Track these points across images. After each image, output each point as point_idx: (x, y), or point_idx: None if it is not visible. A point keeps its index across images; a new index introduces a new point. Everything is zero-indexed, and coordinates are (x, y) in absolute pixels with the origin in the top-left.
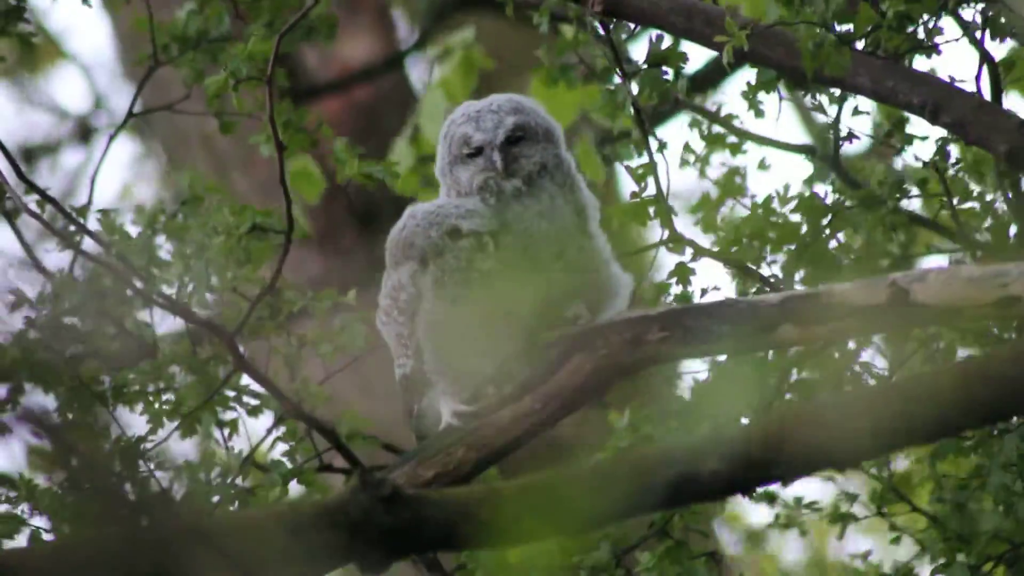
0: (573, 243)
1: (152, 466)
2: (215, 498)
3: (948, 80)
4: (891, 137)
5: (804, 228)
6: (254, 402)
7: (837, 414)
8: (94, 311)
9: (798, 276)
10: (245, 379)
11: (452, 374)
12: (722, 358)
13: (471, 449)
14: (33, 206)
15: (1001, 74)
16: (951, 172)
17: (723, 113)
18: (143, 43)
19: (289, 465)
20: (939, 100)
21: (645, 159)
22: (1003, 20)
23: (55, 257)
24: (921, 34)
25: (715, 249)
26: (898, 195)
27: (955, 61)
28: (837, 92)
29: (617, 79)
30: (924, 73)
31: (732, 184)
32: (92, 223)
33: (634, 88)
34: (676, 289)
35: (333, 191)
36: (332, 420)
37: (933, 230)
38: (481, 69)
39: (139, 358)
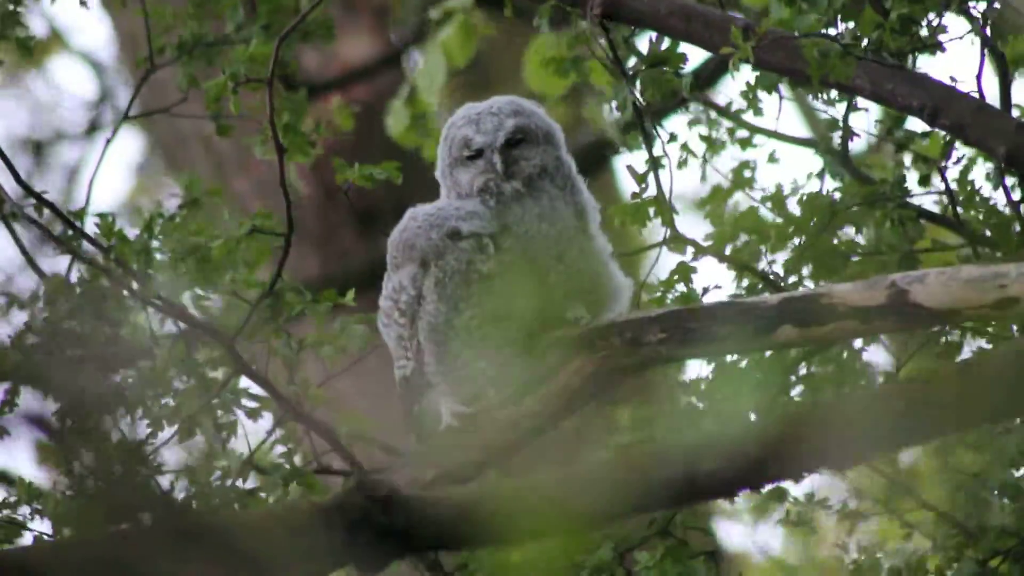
0: (573, 245)
1: (153, 469)
2: (216, 500)
3: (948, 82)
4: (891, 135)
5: (809, 224)
6: (253, 404)
7: (838, 414)
8: (90, 315)
9: (803, 272)
10: (243, 382)
11: (452, 376)
12: (721, 359)
13: (471, 450)
14: (32, 209)
15: (1009, 67)
16: (953, 169)
17: (729, 110)
18: (143, 42)
19: (288, 467)
20: (938, 103)
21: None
22: (1006, 19)
23: (53, 261)
24: (924, 33)
25: (712, 244)
26: (900, 193)
27: (958, 59)
28: (837, 93)
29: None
30: (923, 75)
31: (742, 177)
32: (90, 226)
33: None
34: (679, 290)
35: (332, 191)
36: (331, 422)
37: (942, 225)
38: (480, 54)
39: (136, 361)
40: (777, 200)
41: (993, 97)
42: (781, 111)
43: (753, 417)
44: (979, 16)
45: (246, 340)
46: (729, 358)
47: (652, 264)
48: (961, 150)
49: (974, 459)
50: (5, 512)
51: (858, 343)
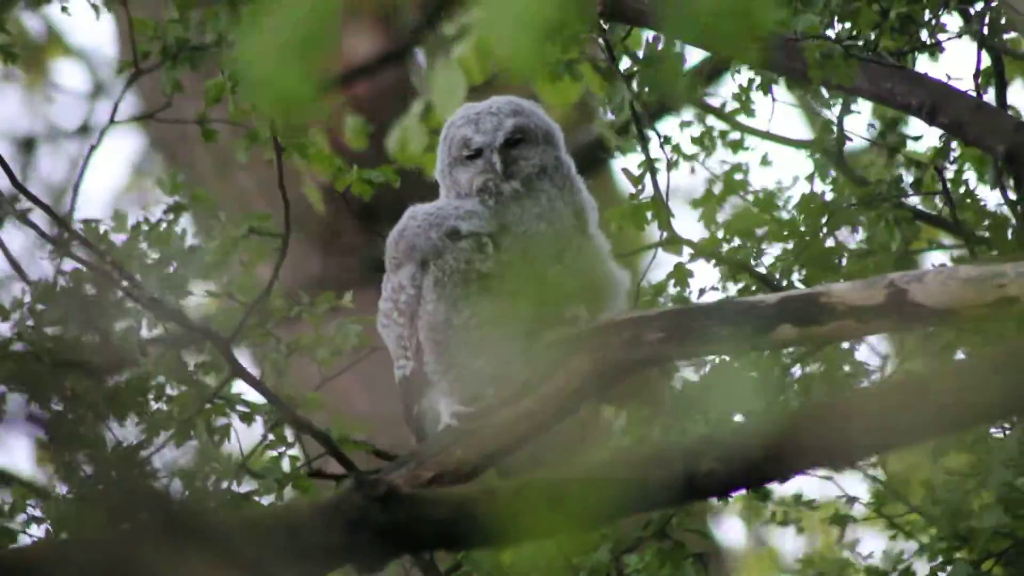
0: (572, 244)
1: (148, 471)
2: (211, 503)
3: (945, 80)
4: (885, 138)
5: (803, 226)
6: (246, 410)
7: (835, 413)
8: (78, 321)
9: (797, 276)
10: (236, 386)
11: (451, 375)
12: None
13: (470, 450)
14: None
15: (1005, 68)
16: (950, 170)
17: (723, 111)
18: (143, 41)
19: (286, 469)
20: (936, 101)
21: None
22: (1004, 20)
23: (47, 264)
24: (924, 34)
25: (707, 246)
26: (896, 193)
27: (955, 59)
28: (835, 92)
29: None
30: (922, 74)
31: (734, 180)
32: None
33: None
34: (673, 290)
35: (333, 191)
36: (327, 425)
37: (937, 226)
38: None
39: (125, 366)
40: (767, 202)
41: (989, 97)
42: (774, 112)
43: (751, 417)
44: (977, 15)
45: (237, 344)
46: (726, 359)
47: (647, 265)
48: (956, 151)
49: (970, 460)
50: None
51: (846, 344)
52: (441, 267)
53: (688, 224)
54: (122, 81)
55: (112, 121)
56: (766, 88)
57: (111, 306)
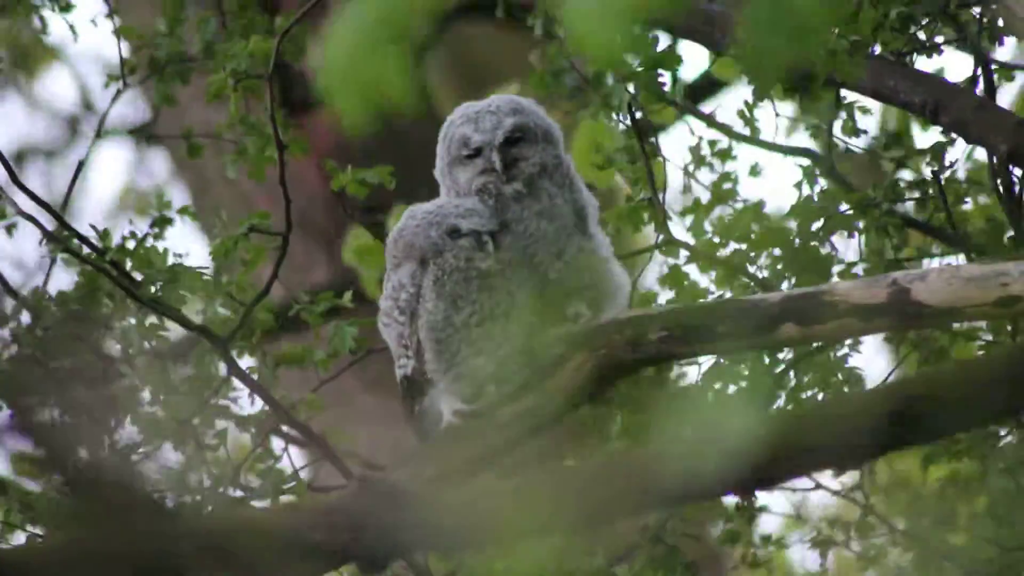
0: (573, 242)
1: (145, 474)
2: (208, 506)
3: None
4: (888, 150)
5: (795, 233)
6: (243, 412)
7: (836, 414)
8: (73, 328)
9: (787, 286)
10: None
11: (452, 374)
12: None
13: (472, 448)
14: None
15: (995, 76)
16: (947, 174)
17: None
18: (134, 52)
19: (287, 472)
20: (940, 100)
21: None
22: (1001, 23)
23: (46, 263)
24: (922, 36)
25: (703, 249)
26: (893, 198)
27: (954, 63)
28: (835, 94)
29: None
30: (925, 73)
31: (722, 190)
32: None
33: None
34: (669, 294)
35: (338, 192)
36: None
37: (927, 233)
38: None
39: (118, 374)
40: (756, 213)
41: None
42: (777, 129)
43: (749, 419)
44: (976, 21)
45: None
46: (721, 361)
47: (643, 268)
48: (952, 154)
49: (962, 468)
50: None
51: (844, 351)
52: (441, 265)
53: (679, 230)
54: (134, 88)
55: (99, 135)
56: (763, 96)
57: (111, 308)
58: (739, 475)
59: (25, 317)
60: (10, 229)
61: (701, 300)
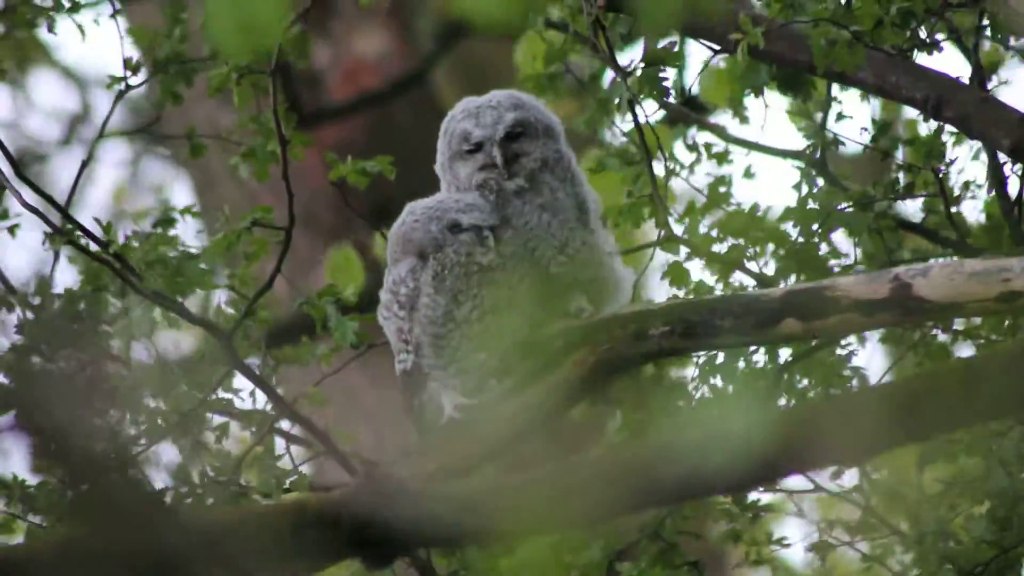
0: (575, 237)
1: (146, 468)
2: (208, 500)
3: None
4: (877, 142)
5: (795, 234)
6: (245, 406)
7: (839, 411)
8: (71, 328)
9: (786, 284)
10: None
11: (453, 368)
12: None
13: (474, 442)
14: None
15: (985, 76)
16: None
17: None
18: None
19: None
20: (942, 95)
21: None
22: (1001, 19)
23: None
24: (922, 32)
25: (703, 244)
26: (892, 196)
27: (952, 61)
28: (834, 89)
29: (613, 77)
30: (927, 68)
31: (717, 193)
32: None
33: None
34: (670, 290)
35: (346, 184)
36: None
37: (921, 235)
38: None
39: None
40: (751, 216)
41: None
42: (766, 120)
43: (751, 416)
44: (971, 22)
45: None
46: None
47: (646, 264)
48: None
49: (959, 468)
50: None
51: (848, 348)
52: (442, 260)
53: (678, 229)
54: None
55: (100, 136)
56: (758, 91)
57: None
58: (741, 472)
59: (27, 313)
60: (12, 230)
61: (703, 295)
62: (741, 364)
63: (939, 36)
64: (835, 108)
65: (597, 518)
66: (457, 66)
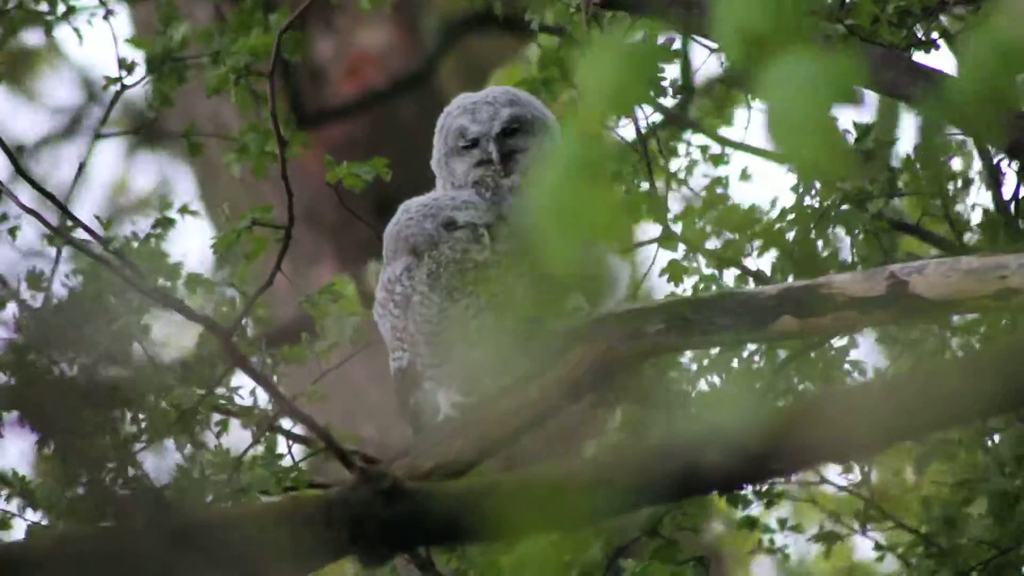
0: None
1: (145, 465)
2: (208, 497)
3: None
4: (861, 142)
5: (791, 235)
6: (246, 403)
7: (838, 407)
8: (76, 319)
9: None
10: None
11: (449, 366)
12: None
13: (470, 440)
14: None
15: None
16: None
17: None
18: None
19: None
20: (939, 92)
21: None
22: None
23: (50, 253)
24: (919, 31)
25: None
26: (889, 193)
27: (949, 59)
28: None
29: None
30: (925, 66)
31: (715, 195)
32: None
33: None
34: (668, 286)
35: (338, 187)
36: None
37: (916, 236)
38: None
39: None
40: (747, 218)
41: None
42: (750, 121)
43: (749, 413)
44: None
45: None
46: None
47: (651, 263)
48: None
49: (957, 467)
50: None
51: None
52: (437, 258)
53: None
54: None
55: (98, 136)
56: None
57: (114, 300)
58: (737, 468)
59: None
60: (13, 231)
61: (700, 293)
62: (736, 363)
63: (935, 35)
64: None
65: (595, 516)
66: (461, 63)
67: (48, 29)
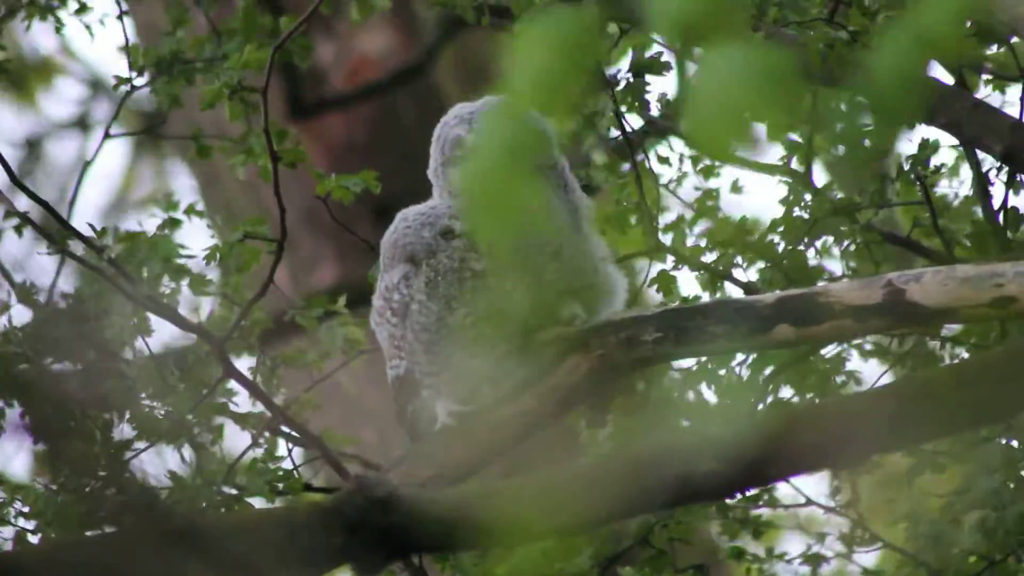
0: (568, 243)
1: (139, 471)
2: (202, 504)
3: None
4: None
5: (781, 246)
6: (241, 410)
7: (834, 414)
8: (70, 324)
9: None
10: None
11: (446, 375)
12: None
13: (467, 448)
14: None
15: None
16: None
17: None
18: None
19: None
20: (934, 100)
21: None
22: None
23: (45, 261)
24: None
25: (692, 254)
26: (880, 203)
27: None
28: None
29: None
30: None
31: (706, 207)
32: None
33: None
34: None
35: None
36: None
37: (906, 247)
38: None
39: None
40: (739, 230)
41: None
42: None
43: (745, 419)
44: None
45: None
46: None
47: (646, 275)
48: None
49: (949, 477)
50: None
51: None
52: (434, 266)
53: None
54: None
55: (107, 136)
56: None
57: (108, 305)
58: (733, 475)
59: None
60: (19, 228)
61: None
62: (724, 372)
63: None
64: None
65: (589, 524)
66: (460, 64)
67: (58, 28)
